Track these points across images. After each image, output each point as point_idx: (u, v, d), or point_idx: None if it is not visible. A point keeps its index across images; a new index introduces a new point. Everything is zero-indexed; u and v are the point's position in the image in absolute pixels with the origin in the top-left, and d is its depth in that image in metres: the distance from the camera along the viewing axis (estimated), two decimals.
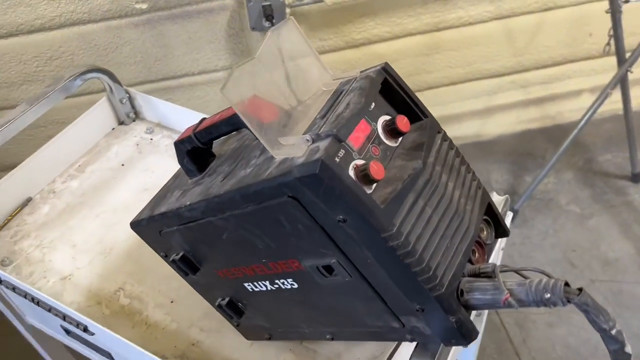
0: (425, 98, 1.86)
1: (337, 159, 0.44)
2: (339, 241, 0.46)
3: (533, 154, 1.95)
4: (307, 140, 0.44)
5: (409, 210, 0.45)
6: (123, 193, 0.93)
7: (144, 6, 1.47)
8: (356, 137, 0.47)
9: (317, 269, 0.51)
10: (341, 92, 0.48)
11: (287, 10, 1.49)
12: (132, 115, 1.05)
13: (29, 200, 0.93)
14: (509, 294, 0.46)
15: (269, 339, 0.69)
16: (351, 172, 0.45)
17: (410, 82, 1.82)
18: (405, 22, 1.68)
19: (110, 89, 1.01)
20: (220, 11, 1.52)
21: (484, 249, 0.54)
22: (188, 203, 0.55)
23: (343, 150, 0.45)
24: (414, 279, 0.46)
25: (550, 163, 1.64)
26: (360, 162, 0.45)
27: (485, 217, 0.55)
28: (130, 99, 1.03)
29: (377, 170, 0.44)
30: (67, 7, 1.43)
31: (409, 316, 0.50)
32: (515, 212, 1.74)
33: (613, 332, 0.43)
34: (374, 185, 0.46)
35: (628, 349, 0.44)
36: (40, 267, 0.84)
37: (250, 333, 0.70)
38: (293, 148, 0.45)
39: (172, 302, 0.78)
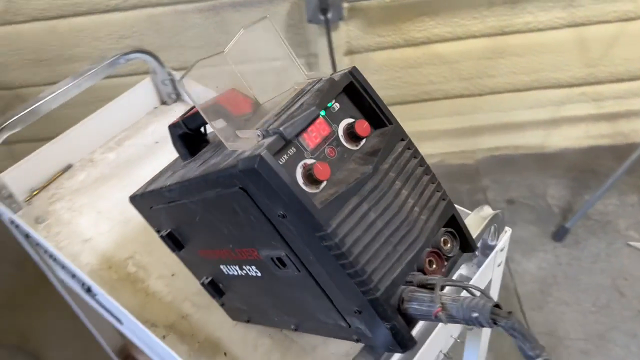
0: (487, 103, 1.82)
1: (282, 156, 0.45)
2: (284, 235, 0.48)
3: (597, 172, 1.84)
4: (258, 136, 0.46)
5: (349, 213, 0.46)
6: (151, 169, 0.98)
7: None
8: (312, 137, 0.48)
9: (272, 260, 0.53)
10: (302, 92, 0.50)
11: (345, 4, 1.50)
12: (173, 96, 1.11)
13: (69, 166, 1.02)
14: (440, 308, 0.45)
15: (248, 321, 0.72)
16: (299, 171, 0.46)
17: (472, 85, 1.77)
18: (468, 24, 1.64)
19: (154, 70, 1.07)
20: (281, 2, 1.56)
21: (443, 260, 0.53)
22: (168, 184, 0.59)
23: (294, 149, 0.47)
24: (349, 280, 0.47)
25: (610, 181, 1.55)
26: (309, 161, 0.47)
27: (450, 230, 0.54)
28: (172, 81, 1.09)
29: (321, 170, 0.46)
30: None
31: (352, 317, 0.51)
32: (566, 231, 1.65)
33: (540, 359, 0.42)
34: (322, 185, 0.47)
35: None
36: (67, 229, 0.92)
37: (234, 314, 0.73)
38: (244, 142, 0.47)
39: (173, 275, 0.82)
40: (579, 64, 1.75)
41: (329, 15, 1.46)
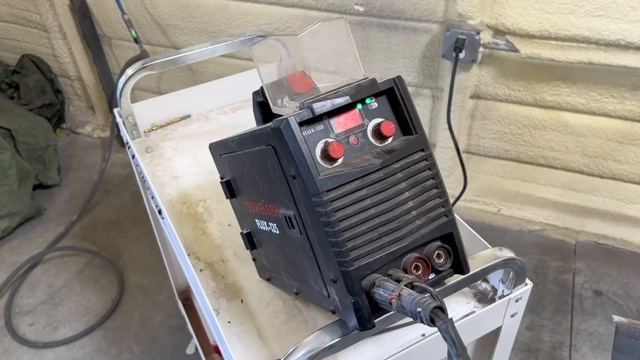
0: (605, 187, 1.75)
1: (310, 129, 0.54)
2: (295, 196, 0.56)
3: None
4: (297, 107, 0.55)
5: (347, 192, 0.53)
6: None
7: (361, 9, 1.66)
8: (342, 123, 0.56)
9: (285, 219, 0.61)
10: (350, 84, 0.58)
11: (481, 49, 1.54)
12: None
13: (188, 116, 1.19)
14: (395, 297, 0.51)
15: (269, 279, 0.81)
16: (320, 145, 0.55)
17: (594, 164, 1.71)
18: (605, 101, 1.59)
19: (281, 58, 1.21)
20: (424, 33, 1.64)
21: (430, 270, 0.58)
22: (233, 136, 0.70)
23: (322, 126, 0.55)
24: (330, 249, 0.54)
25: None
26: (330, 140, 0.55)
27: (445, 246, 0.59)
28: None
29: (335, 149, 0.53)
30: None
31: (330, 287, 0.58)
32: None
33: None
34: (335, 163, 0.55)
35: None
36: (166, 163, 1.08)
37: (261, 271, 0.83)
38: (286, 109, 0.56)
39: (229, 225, 0.94)
40: None
41: (462, 55, 1.51)
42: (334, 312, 0.61)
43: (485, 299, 0.75)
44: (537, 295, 1.70)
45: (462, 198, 1.81)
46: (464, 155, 1.81)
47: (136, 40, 1.99)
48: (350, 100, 0.55)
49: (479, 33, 1.51)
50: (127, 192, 2.24)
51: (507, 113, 1.72)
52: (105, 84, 2.40)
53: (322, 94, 0.56)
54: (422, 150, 0.58)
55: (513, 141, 1.77)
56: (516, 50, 1.51)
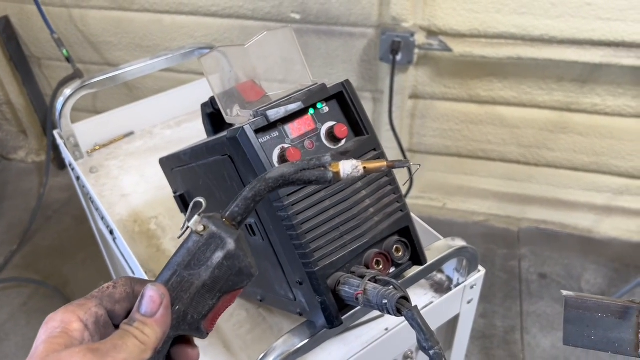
0: (541, 175, 1.84)
1: (265, 136, 0.55)
2: None
3: None
4: (250, 115, 0.56)
5: (306, 195, 0.55)
6: None
7: (298, 17, 1.69)
8: (296, 128, 0.57)
9: (246, 227, 0.62)
10: (300, 90, 0.59)
11: (416, 50, 1.60)
12: None
13: (131, 133, 1.17)
14: (361, 292, 0.52)
15: None
16: (277, 152, 0.56)
17: (529, 153, 1.80)
18: (535, 93, 1.68)
19: (223, 68, 1.21)
20: (360, 37, 1.68)
21: (391, 264, 0.60)
22: (186, 147, 0.70)
23: (277, 133, 0.56)
24: (295, 252, 0.55)
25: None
26: (286, 146, 0.56)
27: (402, 240, 0.61)
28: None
29: (292, 154, 0.55)
30: (237, 2, 1.70)
31: (297, 289, 0.59)
32: None
33: (432, 352, 0.48)
34: None
35: None
36: (112, 182, 1.05)
37: None
38: (239, 118, 0.57)
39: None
40: None
41: (399, 57, 1.56)
42: (301, 314, 0.62)
43: (442, 289, 0.78)
44: (487, 283, 1.76)
45: (408, 196, 1.86)
46: (407, 154, 1.86)
47: (68, 60, 1.93)
48: (302, 106, 0.56)
49: (413, 35, 1.56)
50: (68, 217, 2.16)
51: (445, 110, 1.78)
52: (37, 107, 2.31)
53: (274, 101, 0.58)
54: (374, 149, 0.60)
55: (452, 137, 1.84)
56: (449, 50, 1.57)
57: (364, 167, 0.43)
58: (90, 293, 0.42)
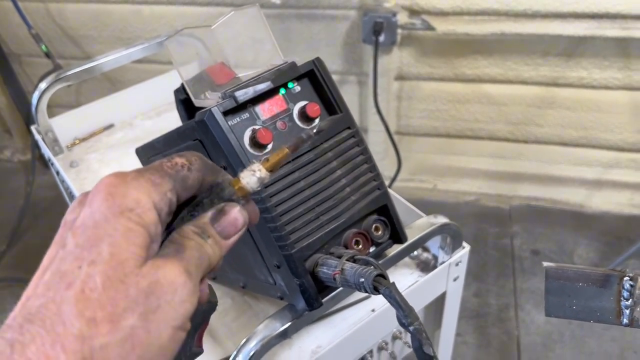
0: (531, 151, 1.83)
1: (235, 118, 0.53)
2: None
3: (634, 242, 1.78)
4: (219, 97, 0.55)
5: (280, 177, 0.53)
6: None
7: (278, 1, 1.66)
8: (267, 109, 0.56)
9: None
10: (270, 70, 0.58)
11: (399, 30, 1.58)
12: None
13: (111, 125, 1.15)
14: (338, 272, 0.51)
15: (214, 279, 0.79)
16: (247, 133, 0.54)
17: (517, 130, 1.79)
18: (521, 69, 1.66)
19: (202, 56, 1.19)
20: (343, 20, 1.66)
21: (370, 243, 0.59)
22: (159, 136, 0.68)
23: (247, 115, 0.55)
24: (271, 235, 0.54)
25: (634, 248, 1.51)
26: (257, 127, 0.54)
27: (382, 218, 0.60)
28: None
29: (264, 135, 0.53)
30: None
31: (275, 273, 0.58)
32: None
33: (411, 328, 0.47)
34: (266, 150, 0.54)
35: (427, 349, 0.46)
36: (93, 176, 1.04)
37: None
38: (208, 101, 0.56)
39: None
40: (631, 128, 1.72)
41: (381, 38, 1.54)
42: (281, 298, 0.61)
43: (427, 267, 0.77)
44: (480, 262, 1.76)
45: (398, 178, 1.85)
46: (395, 137, 1.84)
47: (47, 55, 1.90)
48: (272, 86, 0.55)
49: (395, 15, 1.54)
50: (57, 214, 2.13)
51: (431, 91, 1.77)
52: (19, 105, 2.28)
53: (243, 82, 0.56)
54: (349, 127, 0.58)
55: (440, 117, 1.83)
56: (432, 29, 1.55)
57: (266, 167, 0.36)
58: (160, 165, 0.31)
